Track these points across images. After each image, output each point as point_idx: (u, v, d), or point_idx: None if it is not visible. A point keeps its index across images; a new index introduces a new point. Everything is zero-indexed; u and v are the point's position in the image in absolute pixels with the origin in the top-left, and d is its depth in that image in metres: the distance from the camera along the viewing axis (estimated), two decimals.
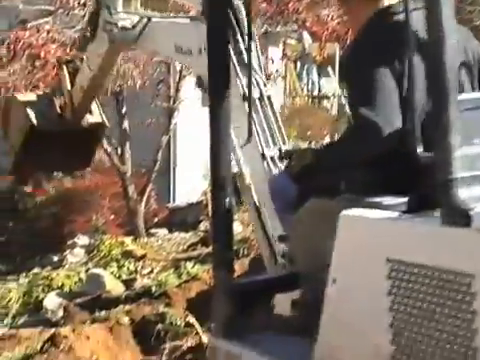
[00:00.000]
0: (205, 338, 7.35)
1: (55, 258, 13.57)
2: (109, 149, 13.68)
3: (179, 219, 14.96)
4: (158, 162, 14.02)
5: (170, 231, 14.39)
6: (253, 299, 3.23)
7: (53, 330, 8.65)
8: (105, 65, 5.64)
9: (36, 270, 12.39)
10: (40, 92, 6.74)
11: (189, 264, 10.90)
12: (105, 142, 13.77)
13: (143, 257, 12.06)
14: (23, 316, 10.67)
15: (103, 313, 9.27)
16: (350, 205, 2.63)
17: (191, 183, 15.12)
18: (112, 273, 11.45)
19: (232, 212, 3.18)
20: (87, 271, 11.75)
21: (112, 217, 14.79)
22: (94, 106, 6.18)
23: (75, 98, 5.83)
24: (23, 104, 5.97)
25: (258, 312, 3.30)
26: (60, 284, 11.27)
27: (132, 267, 11.76)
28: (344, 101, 18.03)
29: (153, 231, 14.41)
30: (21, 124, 5.95)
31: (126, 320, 8.84)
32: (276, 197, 3.37)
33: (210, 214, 4.96)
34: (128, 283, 10.97)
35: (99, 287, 10.71)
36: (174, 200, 16.02)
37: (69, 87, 5.91)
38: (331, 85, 20.72)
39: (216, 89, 3.04)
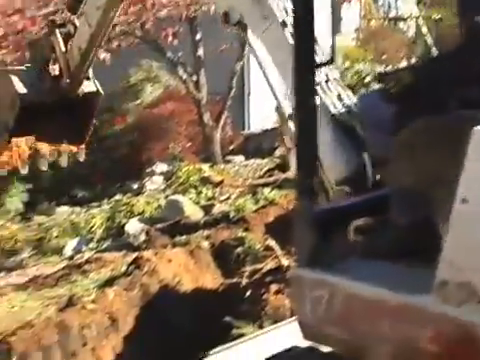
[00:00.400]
0: (284, 261, 7.50)
1: (135, 185, 13.88)
2: (184, 76, 13.74)
3: (254, 146, 15.01)
4: (233, 89, 14.00)
5: (246, 158, 14.47)
6: (337, 226, 3.17)
7: (136, 254, 8.93)
8: (106, 17, 5.11)
9: (117, 197, 12.70)
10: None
11: (266, 190, 10.99)
12: (180, 70, 13.86)
13: (220, 183, 12.20)
14: (107, 241, 11.03)
15: (183, 238, 9.49)
16: (470, 122, 2.47)
17: (265, 110, 15.09)
18: (190, 199, 11.64)
19: (316, 140, 3.12)
20: (166, 197, 11.99)
21: (188, 144, 14.96)
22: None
23: (72, 62, 5.29)
24: (8, 74, 5.42)
25: (342, 239, 3.26)
26: (141, 210, 11.55)
27: (210, 193, 11.92)
28: (421, 22, 17.49)
29: (229, 158, 14.52)
30: (9, 98, 5.35)
31: (206, 244, 9.05)
32: (367, 117, 3.29)
33: (286, 141, 4.91)
34: (206, 209, 11.14)
35: (178, 213, 10.93)
36: (249, 127, 16.04)
37: (64, 50, 5.35)
38: (408, 6, 20.07)
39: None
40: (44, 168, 5.69)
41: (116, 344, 6.99)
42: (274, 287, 7.24)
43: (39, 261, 10.56)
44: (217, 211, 10.90)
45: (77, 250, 10.62)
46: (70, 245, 10.83)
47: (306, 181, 3.12)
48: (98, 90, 5.53)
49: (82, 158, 5.83)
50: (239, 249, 8.40)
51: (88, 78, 5.45)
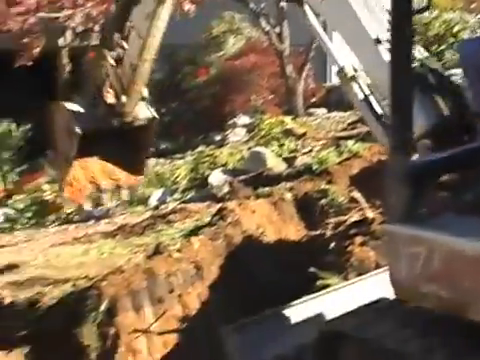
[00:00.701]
0: (369, 213, 7.45)
1: (217, 137, 14.00)
2: (267, 28, 13.65)
3: (336, 98, 14.81)
4: (315, 40, 13.82)
5: (328, 110, 14.34)
6: (429, 180, 3.12)
7: (220, 205, 9.03)
8: (160, 24, 4.85)
9: (200, 148, 12.85)
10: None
11: (349, 142, 10.88)
12: (263, 21, 13.76)
13: (303, 136, 12.17)
14: (191, 191, 11.21)
15: (266, 189, 9.53)
16: None
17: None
18: (273, 151, 11.67)
19: (411, 92, 3.04)
20: (249, 149, 12.05)
21: (271, 97, 14.93)
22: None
23: (125, 79, 5.09)
24: (68, 110, 5.28)
25: (434, 194, 3.19)
26: (224, 162, 11.67)
27: (292, 145, 11.91)
28: None
29: (311, 110, 14.43)
30: (67, 130, 5.21)
31: (289, 196, 9.05)
32: (469, 65, 3.18)
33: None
34: (289, 161, 11.16)
35: (261, 165, 10.98)
36: (331, 79, 15.85)
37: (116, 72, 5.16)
38: None
39: None
40: (107, 204, 5.52)
41: (201, 292, 7.12)
42: (359, 239, 7.21)
43: (126, 211, 10.83)
44: (300, 163, 10.90)
45: (162, 200, 10.83)
46: (155, 195, 11.06)
47: (400, 135, 3.03)
48: (154, 116, 5.34)
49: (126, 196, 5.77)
50: (323, 201, 8.37)
51: (143, 98, 5.24)
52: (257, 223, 8.24)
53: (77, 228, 10.58)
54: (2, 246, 10.03)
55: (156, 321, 6.66)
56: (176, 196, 11.13)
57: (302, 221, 8.69)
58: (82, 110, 5.19)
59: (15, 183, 12.60)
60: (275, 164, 11.01)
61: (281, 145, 11.98)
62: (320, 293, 5.62)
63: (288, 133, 12.35)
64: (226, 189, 10.43)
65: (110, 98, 5.13)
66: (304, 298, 5.46)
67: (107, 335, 6.45)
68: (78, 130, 5.03)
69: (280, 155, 11.56)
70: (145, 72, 5.04)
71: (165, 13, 4.87)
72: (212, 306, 6.91)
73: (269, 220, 8.50)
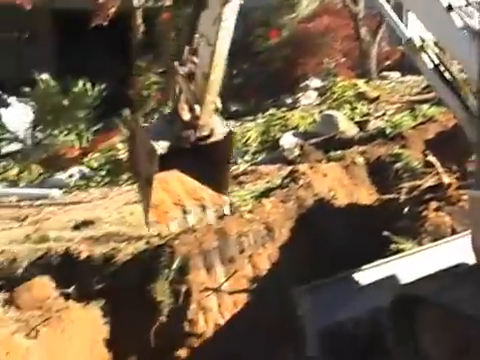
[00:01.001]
0: (445, 178, 7.32)
1: (288, 100, 13.89)
2: None
3: (411, 62, 14.44)
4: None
5: (402, 74, 14.05)
6: None
7: (291, 167, 9.01)
8: (227, 25, 4.75)
9: (271, 111, 12.78)
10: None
11: (424, 106, 10.67)
12: None
13: (376, 99, 11.97)
14: (261, 153, 11.20)
15: (338, 153, 9.45)
16: None
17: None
18: (345, 115, 11.53)
19: None
20: (320, 112, 11.94)
21: (343, 60, 14.69)
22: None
23: (198, 91, 5.01)
24: (146, 130, 5.28)
25: None
26: (295, 124, 11.60)
27: (365, 109, 11.75)
28: None
29: (385, 74, 14.16)
30: (147, 152, 5.13)
31: (361, 160, 8.97)
32: None
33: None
34: (361, 125, 11.01)
35: (333, 128, 10.87)
36: None
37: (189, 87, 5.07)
38: None
39: None
40: (192, 224, 5.41)
41: (272, 253, 7.15)
42: (434, 204, 7.10)
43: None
44: (372, 127, 10.76)
45: (233, 162, 10.84)
46: None
47: None
48: (230, 130, 5.23)
49: (227, 211, 5.56)
50: (396, 165, 8.25)
51: (217, 109, 5.13)
52: (328, 186, 8.21)
53: None
54: (78, 203, 10.29)
55: (227, 280, 6.73)
56: (247, 158, 11.14)
57: (374, 185, 8.62)
58: (159, 129, 5.15)
59: (90, 142, 12.84)
60: (347, 128, 10.88)
61: (353, 108, 11.82)
62: (394, 257, 5.58)
63: (361, 96, 12.17)
64: (297, 152, 10.38)
65: (185, 115, 5.08)
66: (377, 262, 5.43)
67: (179, 292, 6.55)
68: (157, 149, 4.98)
69: (352, 119, 11.42)
70: (217, 79, 4.99)
71: (231, 13, 4.82)
72: (282, 267, 6.95)
73: (340, 184, 8.46)
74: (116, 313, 6.45)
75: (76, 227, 8.12)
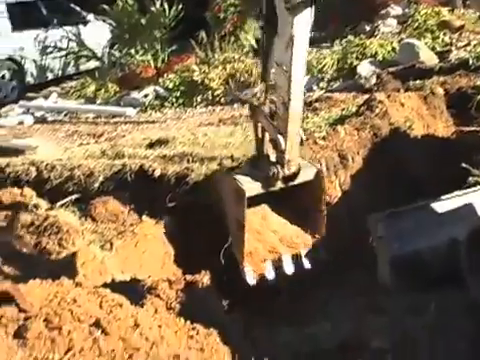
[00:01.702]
0: None
1: (367, 27, 13.56)
2: None
3: None
4: None
5: None
6: None
7: (367, 95, 8.85)
8: (300, 48, 4.49)
9: (349, 38, 12.52)
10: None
11: None
12: None
13: (460, 29, 11.56)
14: (337, 81, 11.04)
15: (417, 82, 9.23)
16: None
17: None
18: (426, 44, 11.19)
19: None
20: (400, 41, 11.62)
21: None
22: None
23: (281, 123, 4.78)
24: (234, 178, 4.97)
25: None
26: (373, 52, 11.33)
27: (447, 39, 11.37)
28: None
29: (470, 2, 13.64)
30: (235, 196, 4.97)
31: (440, 91, 8.74)
32: None
33: None
34: (443, 55, 10.68)
35: (412, 57, 10.58)
36: None
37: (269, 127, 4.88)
38: None
39: None
40: (289, 272, 5.27)
41: (344, 181, 7.10)
42: None
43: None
44: (454, 57, 10.41)
45: (308, 88, 10.73)
46: None
47: None
48: (319, 170, 5.03)
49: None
50: (478, 97, 8.00)
51: (302, 142, 4.85)
52: (405, 116, 8.04)
53: (223, 110, 10.77)
54: (152, 122, 10.41)
55: None
56: (322, 85, 11.00)
57: (453, 117, 8.41)
58: (246, 173, 4.97)
59: (166, 62, 12.88)
60: (427, 57, 10.56)
61: (435, 38, 11.46)
62: (472, 189, 5.47)
63: (444, 26, 11.77)
64: (374, 80, 10.19)
65: (272, 156, 4.92)
66: (455, 193, 5.34)
67: None
68: (245, 191, 4.81)
69: (433, 48, 11.09)
70: (298, 107, 4.78)
71: (302, 35, 4.57)
72: (355, 196, 6.90)
73: (418, 114, 8.27)
74: (187, 231, 6.55)
75: (150, 145, 8.23)
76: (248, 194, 4.86)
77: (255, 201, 5.00)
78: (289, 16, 4.55)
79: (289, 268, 5.04)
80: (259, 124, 5.01)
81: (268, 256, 5.13)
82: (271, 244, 5.23)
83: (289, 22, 4.55)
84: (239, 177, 4.99)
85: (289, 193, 5.02)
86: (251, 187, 4.87)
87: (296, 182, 5.00)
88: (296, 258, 5.15)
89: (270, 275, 5.08)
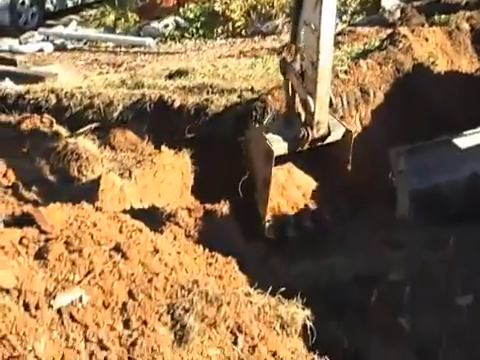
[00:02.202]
0: None
1: None
2: None
3: None
4: None
5: None
6: None
7: (390, 30, 8.68)
8: (328, 8, 4.58)
9: None
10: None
11: None
12: None
13: None
14: (361, 14, 10.84)
15: (442, 17, 9.03)
16: None
17: None
18: None
19: None
20: None
21: None
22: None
23: (310, 83, 4.88)
24: (263, 135, 5.16)
25: None
26: None
27: None
28: None
29: None
30: (264, 154, 5.11)
31: (466, 26, 8.57)
32: None
33: None
34: None
35: None
36: None
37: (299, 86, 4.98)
38: None
39: None
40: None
41: (364, 116, 7.03)
42: None
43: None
44: None
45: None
46: None
47: None
48: (348, 129, 5.13)
49: None
50: None
51: (331, 103, 5.01)
52: (429, 51, 7.91)
53: (244, 42, 10.64)
54: (172, 53, 10.32)
55: None
56: (345, 18, 10.81)
57: (478, 53, 8.27)
58: (277, 130, 5.10)
59: None
60: None
61: None
62: None
63: None
64: (398, 15, 9.99)
65: (302, 115, 4.99)
66: (478, 129, 5.28)
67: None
68: (274, 150, 4.96)
69: None
70: (327, 67, 4.84)
71: None
72: (375, 130, 6.85)
73: (442, 49, 8.14)
74: (206, 162, 6.54)
75: (170, 76, 8.16)
76: (276, 153, 4.90)
77: (283, 159, 5.11)
78: None
79: (308, 223, 5.22)
80: (290, 81, 5.00)
81: (290, 212, 5.31)
82: (294, 200, 5.38)
83: None
84: (269, 136, 5.10)
85: (316, 151, 5.11)
86: (279, 147, 5.01)
87: (324, 143, 5.06)
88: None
89: (290, 233, 5.15)
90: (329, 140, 5.09)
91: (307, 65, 4.91)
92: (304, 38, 4.87)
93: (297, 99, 5.04)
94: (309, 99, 4.89)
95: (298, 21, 4.91)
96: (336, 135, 5.10)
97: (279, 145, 5.02)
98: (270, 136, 5.09)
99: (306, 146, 5.04)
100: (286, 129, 5.12)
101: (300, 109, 5.01)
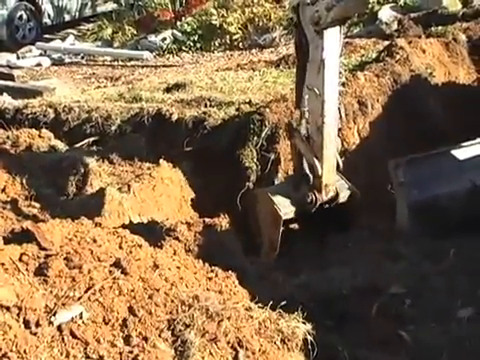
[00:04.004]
0: None
1: None
2: None
3: None
4: None
5: None
6: None
7: (387, 41, 8.71)
8: (331, 72, 4.66)
9: None
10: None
11: None
12: None
13: None
14: (358, 26, 10.87)
15: (439, 29, 9.07)
16: None
17: None
18: None
19: None
20: None
21: None
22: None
23: (316, 146, 4.91)
24: (271, 198, 5.16)
25: None
26: None
27: None
28: None
29: None
30: (272, 217, 5.13)
31: (463, 37, 8.60)
32: None
33: None
34: (466, 1, 10.49)
35: (435, 3, 10.41)
36: None
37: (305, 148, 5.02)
38: None
39: None
40: None
41: (363, 128, 7.04)
42: None
43: (289, 41, 10.72)
44: (478, 3, 10.23)
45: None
46: None
47: None
48: (354, 192, 5.15)
49: None
50: None
51: (338, 166, 5.04)
52: (426, 63, 7.93)
53: (241, 55, 10.67)
54: (170, 66, 10.33)
55: None
56: (342, 30, 10.81)
57: (475, 64, 8.29)
58: (284, 193, 5.13)
59: (184, 5, 12.71)
60: (450, 3, 10.38)
61: None
62: None
63: None
64: (395, 26, 10.04)
65: (310, 177, 5.03)
66: (476, 140, 5.28)
67: (267, 160, 6.57)
68: (282, 214, 5.00)
69: None
70: (332, 131, 4.88)
71: (333, 59, 4.68)
72: (374, 142, 6.85)
73: (439, 61, 8.16)
74: (204, 175, 6.55)
75: (168, 89, 8.18)
76: (284, 218, 4.97)
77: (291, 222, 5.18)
78: (319, 39, 4.55)
79: None
80: (297, 145, 5.06)
81: None
82: None
83: (319, 45, 4.56)
84: (277, 199, 5.13)
85: (324, 214, 5.12)
86: (287, 212, 5.05)
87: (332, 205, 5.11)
88: None
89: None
90: (337, 202, 5.18)
91: (312, 129, 4.96)
92: (308, 102, 4.92)
93: (304, 162, 5.11)
94: (316, 162, 4.94)
95: (302, 86, 4.97)
96: (343, 197, 5.18)
97: (287, 210, 5.07)
98: (278, 199, 5.12)
99: (313, 209, 5.10)
100: (294, 192, 5.16)
101: (308, 171, 5.08)
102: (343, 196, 5.12)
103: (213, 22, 11.39)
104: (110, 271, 3.15)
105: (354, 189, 5.19)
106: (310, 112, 4.92)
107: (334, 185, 5.06)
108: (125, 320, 3.00)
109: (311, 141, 4.99)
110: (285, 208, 5.05)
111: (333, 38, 4.66)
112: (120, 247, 3.46)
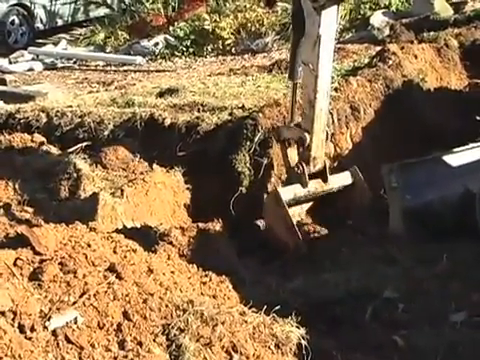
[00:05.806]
0: None
1: None
2: None
3: None
4: None
5: None
6: None
7: (379, 47, 8.75)
8: (326, 48, 4.75)
9: None
10: None
11: None
12: None
13: None
14: (350, 31, 10.90)
15: (431, 34, 9.11)
16: None
17: None
18: None
19: None
20: None
21: None
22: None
23: (308, 124, 5.08)
24: (278, 194, 5.32)
25: None
26: (387, 3, 11.18)
27: None
28: None
29: None
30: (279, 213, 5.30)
31: (455, 43, 8.65)
32: None
33: None
34: (458, 6, 10.52)
35: (427, 8, 10.45)
36: None
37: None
38: None
39: None
40: None
41: (355, 133, 7.07)
42: None
43: (282, 46, 10.75)
44: (470, 9, 10.28)
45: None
46: None
47: None
48: (355, 180, 5.32)
49: None
50: None
51: (327, 138, 5.26)
52: (418, 68, 7.97)
53: (234, 60, 10.68)
54: (162, 71, 10.33)
55: None
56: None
57: (467, 70, 8.34)
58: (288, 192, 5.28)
59: (176, 11, 12.71)
60: (442, 8, 10.42)
61: None
62: None
63: None
64: (387, 32, 10.07)
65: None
66: (469, 145, 5.31)
67: (260, 165, 6.58)
68: (282, 194, 5.19)
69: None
70: (324, 107, 4.98)
71: (329, 37, 4.75)
72: (366, 148, 6.88)
73: (431, 66, 8.21)
74: (197, 180, 6.55)
75: (160, 94, 8.17)
76: (284, 198, 5.15)
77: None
78: (316, 16, 4.58)
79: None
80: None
81: None
82: None
83: (316, 21, 4.58)
84: (280, 188, 5.46)
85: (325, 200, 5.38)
86: (284, 191, 5.25)
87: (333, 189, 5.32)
88: None
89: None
90: (337, 186, 5.32)
91: (304, 104, 5.02)
92: (302, 77, 4.97)
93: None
94: (306, 135, 4.99)
95: (296, 58, 5.01)
96: (345, 181, 5.39)
97: (287, 191, 5.29)
98: (281, 188, 5.45)
99: (307, 187, 5.28)
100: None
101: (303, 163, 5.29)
102: (345, 179, 5.31)
103: (206, 27, 11.41)
104: (105, 276, 3.15)
105: (356, 175, 5.41)
106: (303, 86, 5.02)
107: (322, 158, 5.23)
108: (120, 325, 3.00)
109: (302, 115, 5.14)
110: (285, 191, 5.25)
111: (330, 16, 4.70)
112: (114, 252, 3.45)
